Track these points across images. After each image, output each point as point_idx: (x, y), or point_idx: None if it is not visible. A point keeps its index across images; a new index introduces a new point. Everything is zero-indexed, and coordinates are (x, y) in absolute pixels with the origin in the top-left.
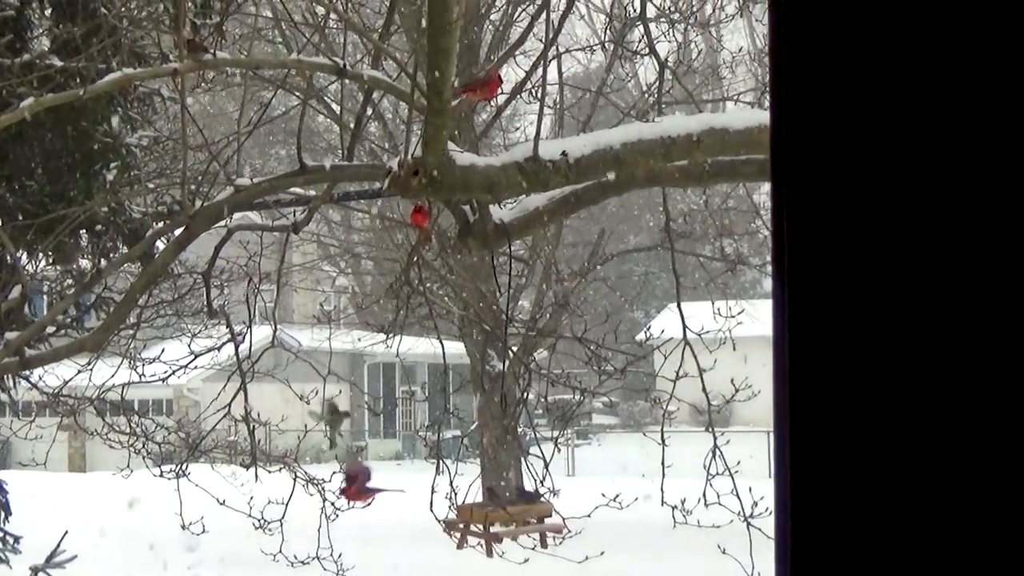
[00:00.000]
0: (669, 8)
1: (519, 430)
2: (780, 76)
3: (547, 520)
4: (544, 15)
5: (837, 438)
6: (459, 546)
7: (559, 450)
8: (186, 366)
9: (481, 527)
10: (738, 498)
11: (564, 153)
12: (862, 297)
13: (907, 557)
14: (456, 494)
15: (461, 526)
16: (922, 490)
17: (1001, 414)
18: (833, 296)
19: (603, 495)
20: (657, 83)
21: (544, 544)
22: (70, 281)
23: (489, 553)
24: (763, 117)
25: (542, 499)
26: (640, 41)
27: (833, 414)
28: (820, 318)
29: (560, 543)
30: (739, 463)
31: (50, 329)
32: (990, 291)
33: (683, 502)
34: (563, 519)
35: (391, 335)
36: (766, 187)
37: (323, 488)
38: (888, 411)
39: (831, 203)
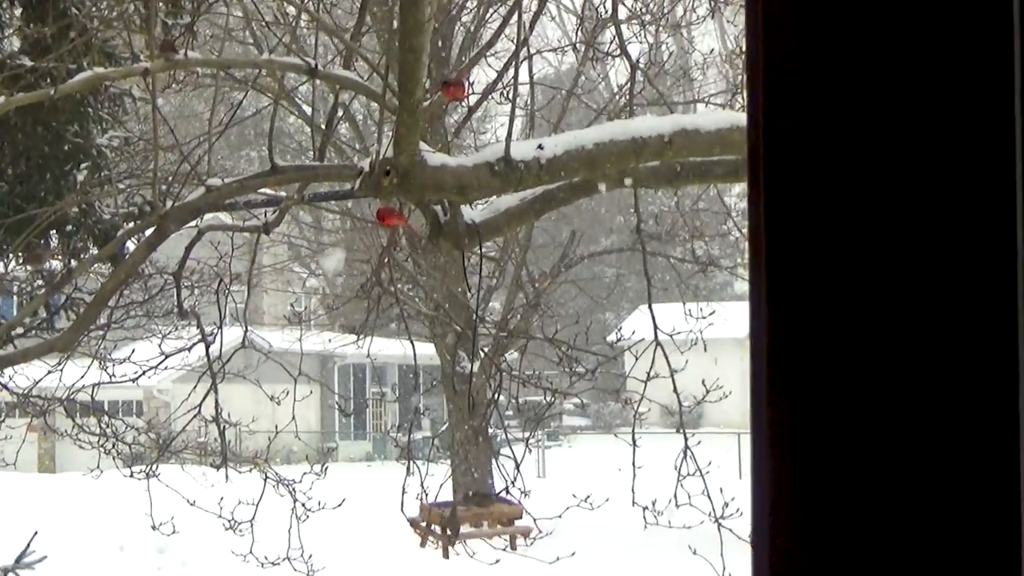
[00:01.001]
0: (640, 10)
1: (490, 431)
2: (757, 74)
3: (517, 522)
4: (515, 16)
5: (816, 440)
6: (422, 544)
7: (530, 451)
8: (156, 367)
9: (446, 529)
10: (709, 499)
11: (541, 147)
12: (841, 298)
13: (886, 561)
14: (427, 495)
15: (423, 524)
16: (903, 493)
17: (981, 418)
18: (812, 297)
19: (574, 496)
20: (628, 84)
21: (514, 546)
22: (40, 282)
23: (445, 555)
24: (734, 118)
25: (515, 499)
26: (611, 42)
27: (812, 416)
28: (799, 320)
29: (531, 544)
30: (710, 464)
31: (19, 330)
32: (970, 294)
33: (654, 503)
34: (534, 520)
35: (362, 336)
36: (737, 189)
37: (293, 489)
38: (868, 413)
39: (810, 203)
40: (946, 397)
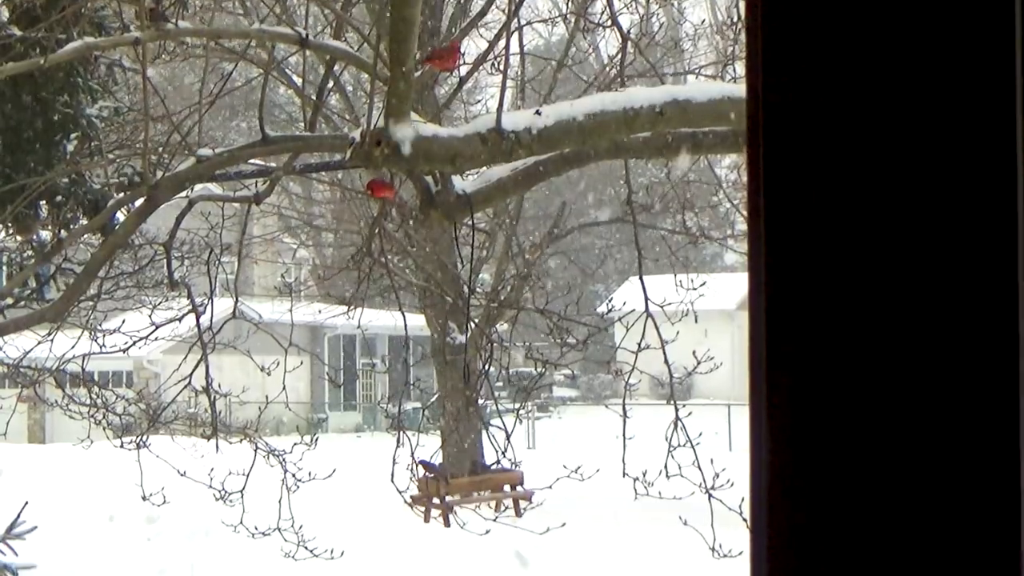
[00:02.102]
0: None
1: (480, 402)
2: (756, 42)
3: (518, 488)
4: None
5: (815, 415)
6: (426, 519)
7: (520, 422)
8: (147, 337)
9: (437, 499)
10: (699, 470)
11: (539, 112)
12: (842, 272)
13: (885, 538)
14: (417, 465)
15: (426, 500)
16: (902, 469)
17: (981, 392)
18: (812, 271)
19: (564, 467)
20: (619, 55)
21: (518, 512)
22: (29, 252)
23: (446, 523)
24: (726, 89)
25: (514, 468)
26: (602, 13)
27: (811, 390)
28: (798, 293)
29: (522, 515)
30: (700, 435)
31: (9, 300)
32: (970, 266)
33: (644, 474)
34: (525, 490)
35: (352, 307)
36: (727, 160)
37: (283, 460)
38: (868, 386)
39: (809, 174)
40: (946, 375)
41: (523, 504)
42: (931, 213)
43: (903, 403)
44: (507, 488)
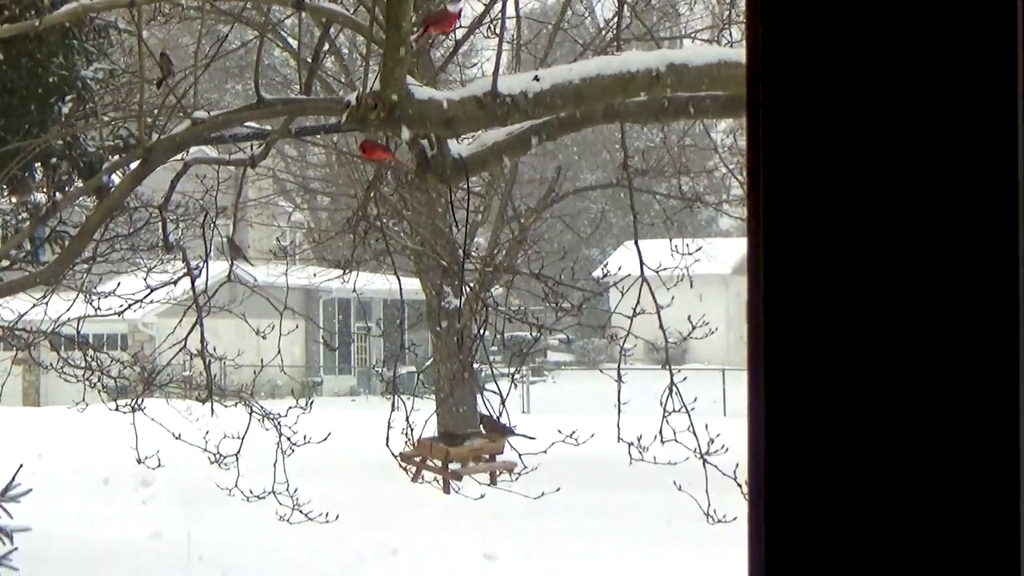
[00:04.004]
0: None
1: (475, 366)
2: (756, 7)
3: (499, 457)
4: None
5: (816, 381)
6: (413, 479)
7: (515, 386)
8: (142, 300)
9: (439, 462)
10: (694, 435)
11: (537, 78)
12: (843, 237)
13: (883, 511)
14: (412, 430)
15: (417, 459)
16: (900, 441)
17: (981, 366)
18: (813, 237)
19: (559, 431)
20: (616, 19)
21: (494, 482)
22: (24, 215)
23: (446, 489)
24: (722, 53)
25: (510, 430)
26: None
27: (813, 356)
28: (799, 260)
29: (516, 479)
30: (695, 400)
31: (4, 263)
32: (968, 233)
33: (639, 439)
34: (519, 455)
35: (347, 270)
36: (723, 125)
37: (279, 423)
38: (866, 354)
39: (810, 140)
40: (947, 345)
41: (510, 473)
42: (934, 176)
43: (904, 370)
44: (488, 457)
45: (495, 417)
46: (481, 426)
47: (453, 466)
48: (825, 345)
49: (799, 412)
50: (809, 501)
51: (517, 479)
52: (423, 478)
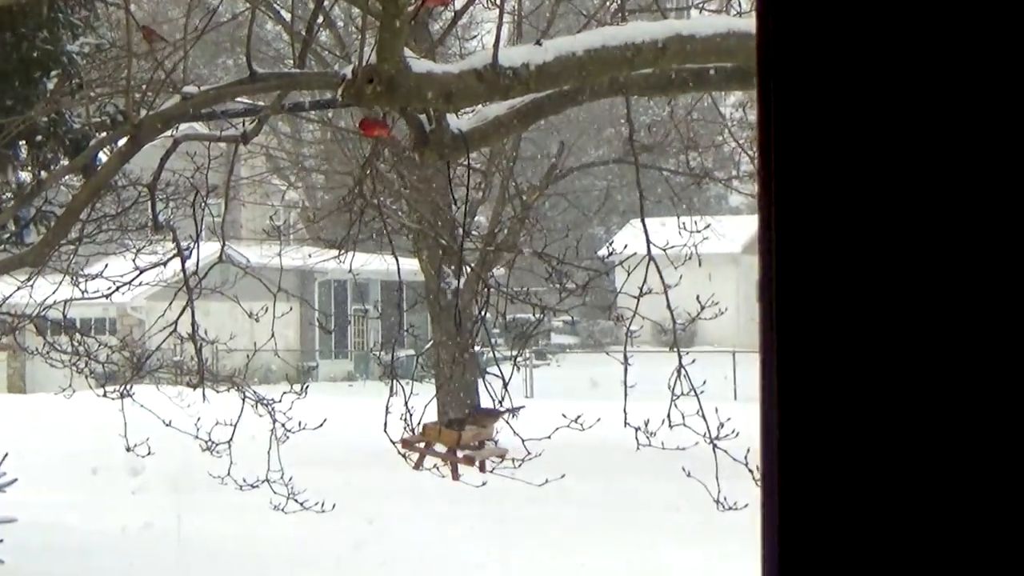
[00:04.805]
0: None
1: (476, 349)
2: None
3: (488, 445)
4: None
5: (830, 363)
6: (416, 466)
7: (518, 369)
8: (130, 283)
9: (444, 448)
10: (704, 420)
11: (539, 42)
12: (858, 216)
13: (896, 498)
14: (411, 415)
15: (420, 446)
16: (912, 422)
17: (995, 351)
18: (826, 216)
19: (564, 416)
20: None
21: (482, 468)
22: (9, 194)
23: (455, 476)
24: (730, 23)
25: (506, 415)
26: None
27: (826, 338)
28: (811, 237)
29: (519, 466)
30: (704, 383)
31: None
32: (983, 212)
33: (647, 424)
34: (522, 441)
35: (343, 251)
36: (732, 98)
37: (273, 409)
38: (879, 337)
39: (823, 113)
40: (962, 326)
41: (510, 456)
42: (951, 146)
43: (922, 351)
44: (477, 445)
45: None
46: (470, 416)
47: (459, 452)
48: (840, 326)
49: (813, 395)
50: (824, 488)
51: (520, 466)
52: (424, 465)
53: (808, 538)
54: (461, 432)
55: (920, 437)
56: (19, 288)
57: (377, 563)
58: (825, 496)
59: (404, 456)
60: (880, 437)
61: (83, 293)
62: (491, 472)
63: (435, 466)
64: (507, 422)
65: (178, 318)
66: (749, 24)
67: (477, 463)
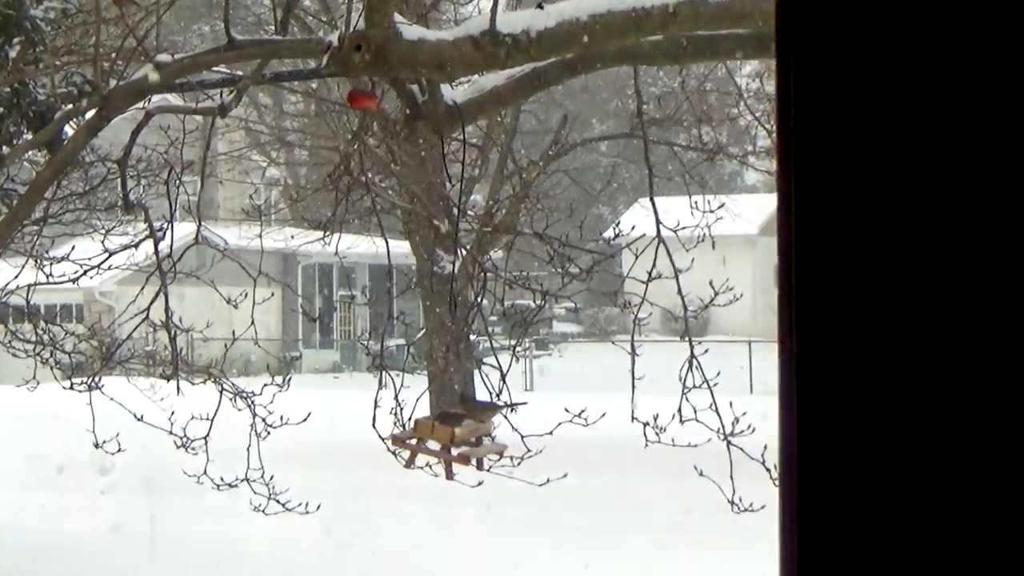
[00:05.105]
0: None
1: (472, 338)
2: None
3: (486, 441)
4: None
5: (854, 354)
6: (407, 465)
7: (517, 360)
8: (99, 266)
9: (439, 445)
10: (717, 414)
11: (541, 6)
12: (881, 195)
13: (916, 494)
14: (402, 409)
15: (412, 443)
16: (934, 418)
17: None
18: (849, 193)
19: (566, 411)
20: None
21: (480, 465)
22: None
23: (449, 475)
24: None
25: (504, 410)
26: None
27: (848, 328)
28: (833, 217)
29: (518, 464)
30: (718, 375)
31: None
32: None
33: (656, 418)
34: (522, 437)
35: (329, 232)
36: (748, 68)
37: (252, 402)
38: (901, 328)
39: (848, 81)
40: (988, 318)
41: (508, 453)
42: (988, 122)
43: (953, 343)
44: (474, 441)
45: (476, 395)
46: (461, 407)
47: (454, 449)
48: (864, 314)
49: (836, 388)
50: (847, 489)
51: (519, 464)
52: (415, 464)
53: (829, 543)
54: (456, 428)
55: (958, 430)
56: None
57: (364, 569)
58: (848, 497)
59: (394, 454)
60: (910, 433)
61: (48, 277)
62: (488, 471)
63: (427, 464)
64: (505, 417)
65: (150, 304)
66: None
67: (474, 461)
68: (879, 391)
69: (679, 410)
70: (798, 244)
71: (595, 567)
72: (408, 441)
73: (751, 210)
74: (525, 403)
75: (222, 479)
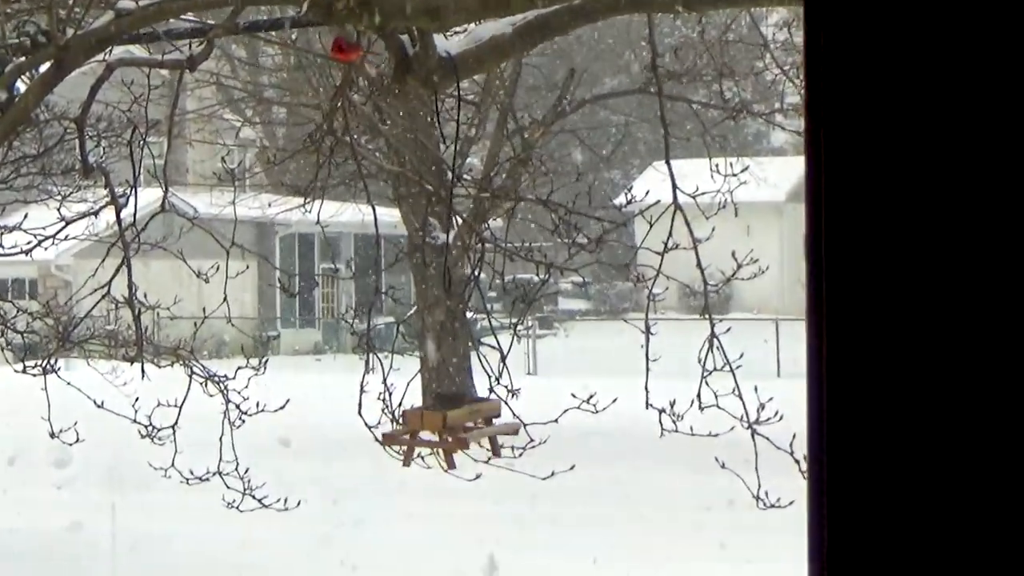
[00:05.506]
0: None
1: (468, 316)
2: None
3: (496, 421)
4: None
5: (891, 332)
6: (405, 463)
7: (518, 340)
8: (54, 236)
9: (434, 434)
10: (741, 400)
11: None
12: (925, 151)
13: (946, 483)
14: (391, 395)
15: (406, 438)
16: (964, 406)
17: None
18: (887, 154)
19: (573, 396)
20: None
21: (497, 452)
22: None
23: (450, 464)
24: None
25: (490, 398)
26: None
27: (884, 303)
28: (868, 181)
29: (520, 455)
30: (742, 356)
31: None
32: None
33: (672, 405)
34: (523, 425)
35: (310, 199)
36: (775, 16)
37: (225, 387)
38: (932, 308)
39: (887, 32)
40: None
41: (509, 444)
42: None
43: (993, 321)
44: (482, 422)
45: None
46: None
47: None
48: (901, 289)
49: (869, 371)
50: (881, 481)
51: (521, 455)
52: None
53: (859, 539)
54: (446, 413)
55: (1005, 413)
56: None
57: (349, 572)
58: (882, 491)
59: (385, 446)
60: (949, 420)
61: None
62: (490, 457)
63: (419, 455)
64: (506, 403)
65: (112, 279)
66: None
67: (488, 445)
68: (916, 374)
69: (698, 396)
70: (828, 211)
71: (603, 568)
72: (402, 438)
73: (778, 174)
74: (518, 389)
75: (192, 472)
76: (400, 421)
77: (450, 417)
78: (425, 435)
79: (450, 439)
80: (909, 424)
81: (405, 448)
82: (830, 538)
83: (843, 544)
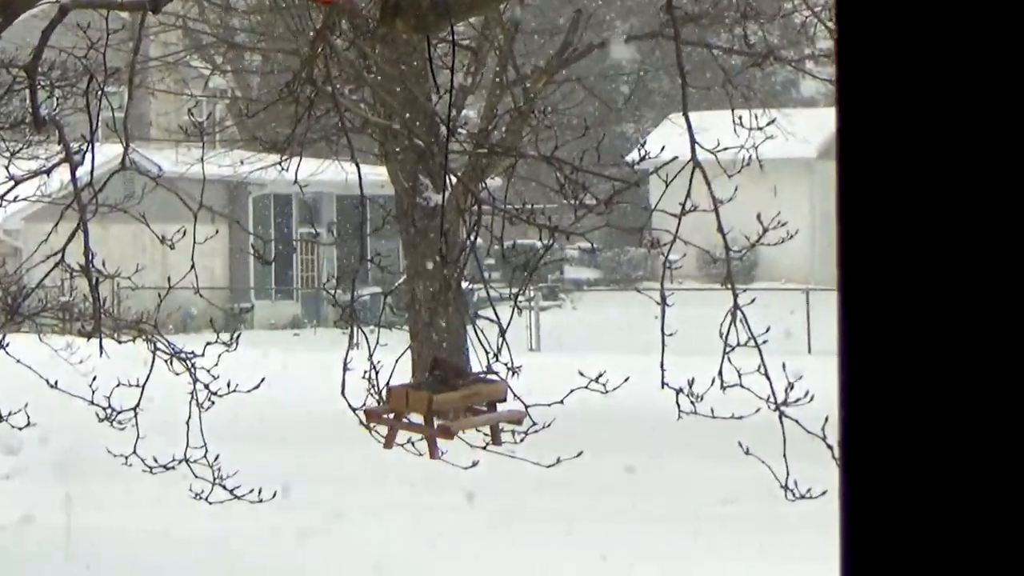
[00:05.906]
0: None
1: (464, 285)
2: None
3: (500, 407)
4: None
5: (931, 303)
6: (387, 445)
7: (519, 313)
8: (3, 197)
9: (419, 417)
10: (767, 379)
11: None
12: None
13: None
14: (377, 373)
15: (390, 416)
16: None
17: None
18: (929, 100)
19: (581, 374)
20: None
21: (497, 440)
22: None
23: (433, 453)
24: None
25: (492, 376)
26: None
27: (923, 271)
28: (909, 131)
29: (521, 440)
30: (768, 331)
31: None
32: None
33: (691, 384)
34: (526, 407)
35: (287, 155)
36: None
37: (193, 365)
38: (955, 291)
39: None
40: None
41: (509, 428)
42: None
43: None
44: (484, 408)
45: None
46: (434, 372)
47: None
48: (940, 253)
49: (904, 347)
50: (914, 467)
51: (522, 440)
52: (397, 440)
53: (890, 531)
54: (432, 396)
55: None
56: None
57: (328, 568)
58: (914, 477)
59: (369, 429)
60: (990, 398)
61: None
62: (489, 446)
63: (409, 441)
64: (504, 381)
65: (66, 245)
66: None
67: (488, 433)
68: (956, 352)
69: (719, 374)
70: (862, 169)
71: (612, 566)
72: (385, 416)
73: (808, 127)
74: (519, 367)
75: (156, 460)
76: (382, 397)
77: (437, 401)
78: (413, 418)
79: (435, 425)
80: (948, 403)
81: (387, 430)
82: (851, 528)
83: (870, 533)
